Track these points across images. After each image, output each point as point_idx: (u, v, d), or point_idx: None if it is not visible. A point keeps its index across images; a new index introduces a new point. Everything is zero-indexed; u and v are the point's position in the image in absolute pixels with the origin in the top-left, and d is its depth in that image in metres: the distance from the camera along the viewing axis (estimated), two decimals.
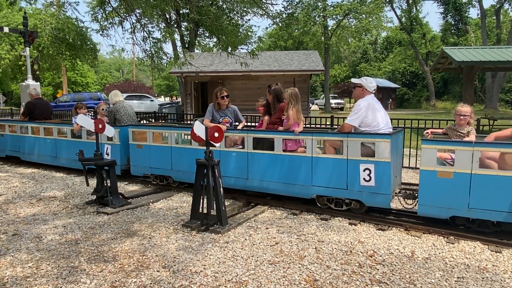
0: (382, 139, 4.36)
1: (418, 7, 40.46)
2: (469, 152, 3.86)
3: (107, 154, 6.60)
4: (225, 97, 5.91)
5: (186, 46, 23.46)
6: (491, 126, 12.15)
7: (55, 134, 7.53)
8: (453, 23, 43.96)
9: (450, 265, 3.40)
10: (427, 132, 4.81)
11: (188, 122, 12.43)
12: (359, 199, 4.55)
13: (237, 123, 6.08)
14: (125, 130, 6.60)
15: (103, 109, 7.28)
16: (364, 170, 4.44)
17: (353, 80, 4.91)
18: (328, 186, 4.72)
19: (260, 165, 5.21)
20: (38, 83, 16.22)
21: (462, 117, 4.55)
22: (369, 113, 4.56)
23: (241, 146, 5.47)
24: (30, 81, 15.35)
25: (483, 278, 3.15)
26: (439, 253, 3.64)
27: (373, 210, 4.68)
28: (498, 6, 32.62)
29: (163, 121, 11.13)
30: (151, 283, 3.05)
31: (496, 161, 3.94)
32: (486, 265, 3.40)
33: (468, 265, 3.40)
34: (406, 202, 4.74)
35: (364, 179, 4.45)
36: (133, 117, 7.22)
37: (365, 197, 4.50)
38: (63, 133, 7.53)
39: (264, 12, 9.49)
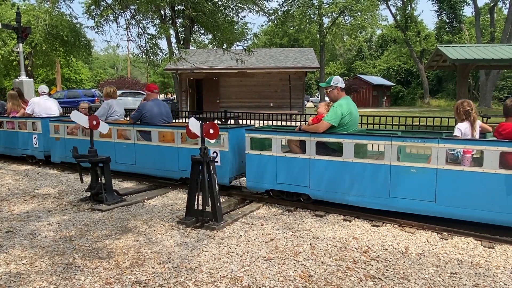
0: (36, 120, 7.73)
1: (413, 5, 40.52)
2: (64, 127, 7.10)
3: None
4: None
5: (181, 42, 23.35)
6: (484, 124, 12.22)
7: None
8: (447, 21, 44.14)
9: (444, 260, 3.43)
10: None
11: (183, 120, 12.38)
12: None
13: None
14: None
15: None
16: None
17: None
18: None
19: (18, 139, 8.24)
20: (32, 79, 16.07)
21: (81, 109, 7.75)
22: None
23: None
24: (23, 78, 15.22)
25: (476, 274, 3.18)
26: (433, 249, 3.68)
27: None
28: (492, 4, 32.76)
29: None
30: (146, 280, 3.05)
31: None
32: (479, 260, 3.44)
33: (461, 260, 3.43)
34: None
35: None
36: None
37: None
38: None
39: (259, 9, 9.47)
